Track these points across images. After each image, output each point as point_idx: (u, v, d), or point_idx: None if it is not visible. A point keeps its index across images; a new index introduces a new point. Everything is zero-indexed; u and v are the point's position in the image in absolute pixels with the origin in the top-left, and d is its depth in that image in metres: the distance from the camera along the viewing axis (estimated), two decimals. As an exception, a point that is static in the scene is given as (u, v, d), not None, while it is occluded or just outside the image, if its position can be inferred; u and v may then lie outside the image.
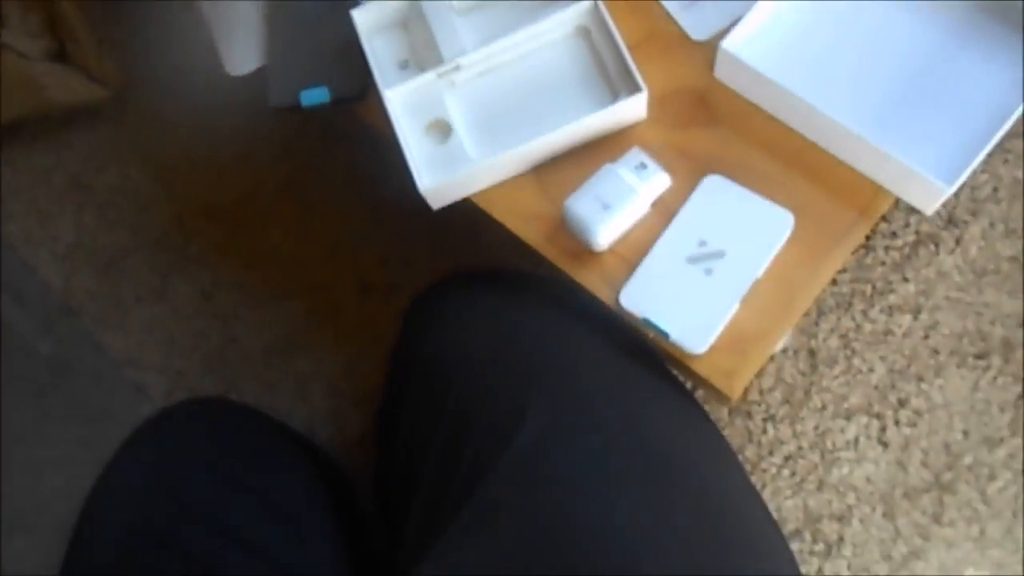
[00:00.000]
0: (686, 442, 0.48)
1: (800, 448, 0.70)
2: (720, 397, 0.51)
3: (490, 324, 0.52)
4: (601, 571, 0.40)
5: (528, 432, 0.44)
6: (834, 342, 0.72)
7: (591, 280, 0.52)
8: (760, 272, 0.50)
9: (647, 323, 0.49)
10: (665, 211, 0.52)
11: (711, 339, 0.49)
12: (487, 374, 0.49)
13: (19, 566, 0.80)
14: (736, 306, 0.49)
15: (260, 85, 0.59)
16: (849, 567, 0.67)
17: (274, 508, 0.53)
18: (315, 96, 0.57)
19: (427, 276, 0.80)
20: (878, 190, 0.51)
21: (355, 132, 0.86)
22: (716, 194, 0.51)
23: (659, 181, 0.51)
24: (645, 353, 0.52)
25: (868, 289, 0.73)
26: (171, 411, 0.61)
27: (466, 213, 0.55)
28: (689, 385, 0.58)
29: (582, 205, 0.50)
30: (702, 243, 0.50)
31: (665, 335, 0.49)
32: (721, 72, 0.53)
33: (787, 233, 0.50)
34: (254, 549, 0.50)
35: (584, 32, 0.55)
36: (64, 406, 0.85)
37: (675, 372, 0.53)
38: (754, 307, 0.50)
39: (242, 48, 0.60)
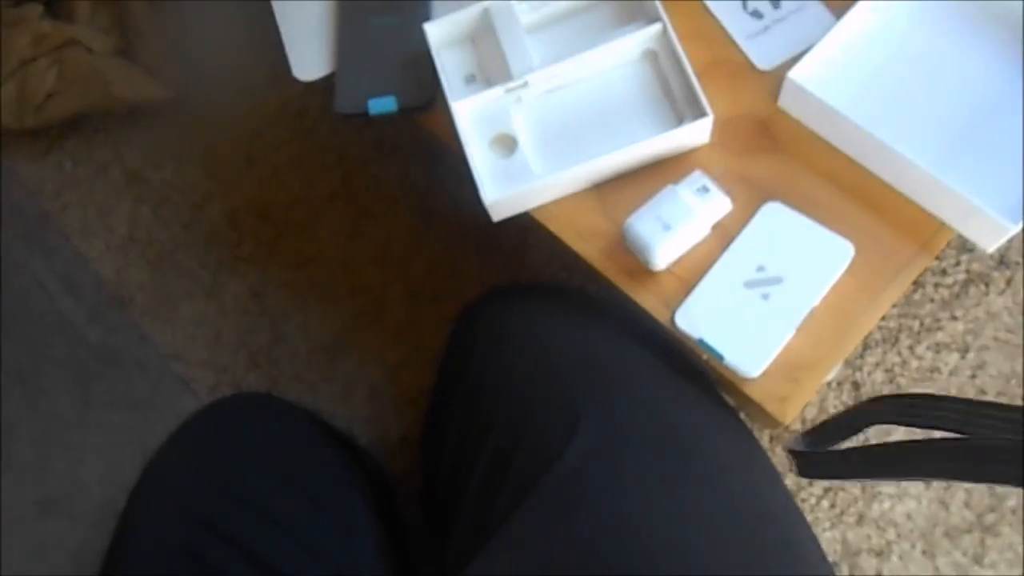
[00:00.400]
0: (736, 460, 0.48)
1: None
2: (768, 422, 0.51)
3: (542, 337, 0.53)
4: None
5: (578, 447, 0.45)
6: (879, 376, 0.72)
7: (647, 299, 0.52)
8: (817, 300, 0.50)
9: (702, 344, 0.50)
10: (724, 235, 0.52)
11: (765, 364, 0.49)
12: (538, 386, 0.49)
13: (59, 547, 0.81)
14: (792, 333, 0.49)
15: (321, 91, 0.61)
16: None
17: (321, 505, 0.54)
18: (383, 105, 0.59)
19: (475, 287, 0.81)
20: (940, 226, 0.51)
21: (408, 143, 0.88)
22: (776, 221, 0.52)
23: (720, 205, 0.52)
24: (695, 374, 0.52)
25: (916, 325, 0.73)
26: (221, 404, 0.62)
27: (515, 228, 0.56)
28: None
29: (643, 224, 0.51)
30: (760, 268, 0.51)
31: (720, 357, 0.49)
32: (786, 101, 0.54)
33: (846, 263, 0.50)
34: (303, 543, 0.51)
35: (651, 56, 0.56)
36: (108, 394, 0.87)
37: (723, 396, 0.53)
38: (809, 335, 0.50)
39: (312, 54, 0.62)
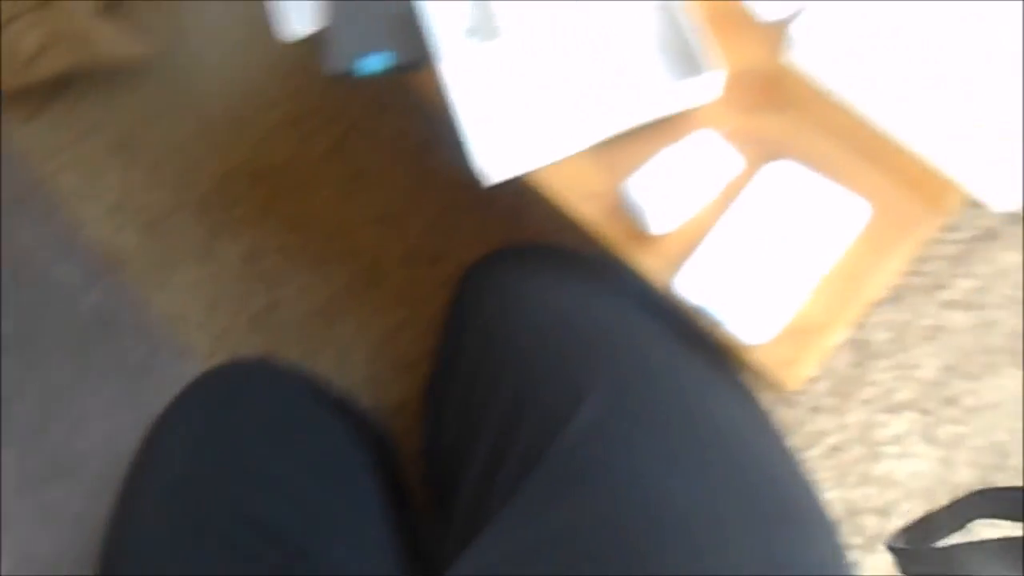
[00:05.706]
0: (742, 427, 0.47)
1: (844, 441, 0.69)
2: (775, 387, 0.50)
3: (548, 301, 0.52)
4: (658, 555, 0.39)
5: (584, 416, 0.44)
6: (885, 335, 0.71)
7: (649, 263, 0.51)
8: (831, 263, 0.48)
9: (702, 311, 0.48)
10: (735, 197, 0.51)
11: (772, 331, 0.48)
12: (545, 354, 0.48)
13: (61, 511, 0.82)
14: (803, 299, 0.48)
15: (313, 48, 0.58)
16: (888, 561, 0.66)
17: (323, 469, 0.54)
18: (372, 64, 0.56)
19: (473, 248, 0.79)
20: (949, 184, 0.49)
21: (404, 101, 0.86)
22: (785, 180, 0.50)
23: (730, 165, 0.50)
24: (699, 337, 0.51)
25: (924, 283, 0.72)
26: (218, 372, 0.61)
27: (513, 187, 0.54)
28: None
29: (643, 186, 0.49)
30: (767, 230, 0.49)
31: (720, 324, 0.48)
32: (793, 55, 0.52)
33: (862, 224, 0.48)
34: (306, 507, 0.50)
35: (659, 7, 0.53)
36: (106, 360, 0.86)
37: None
38: (817, 298, 0.49)
39: (297, 12, 0.60)
